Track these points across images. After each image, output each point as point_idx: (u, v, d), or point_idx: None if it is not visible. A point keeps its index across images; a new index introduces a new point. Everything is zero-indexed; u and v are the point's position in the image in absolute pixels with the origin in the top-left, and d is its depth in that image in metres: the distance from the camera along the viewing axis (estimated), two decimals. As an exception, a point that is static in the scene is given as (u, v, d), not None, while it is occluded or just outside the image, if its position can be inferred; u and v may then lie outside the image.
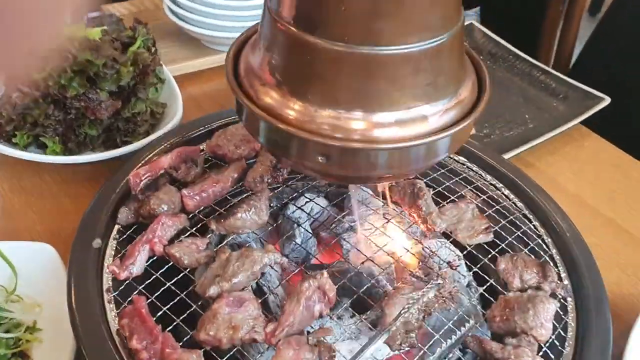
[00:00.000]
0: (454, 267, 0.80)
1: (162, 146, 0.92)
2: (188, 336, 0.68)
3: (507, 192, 0.92)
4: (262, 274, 0.73)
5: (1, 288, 0.79)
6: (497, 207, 0.88)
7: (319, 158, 0.62)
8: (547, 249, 0.84)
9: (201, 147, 0.93)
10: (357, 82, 0.59)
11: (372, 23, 0.57)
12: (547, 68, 1.34)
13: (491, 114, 1.22)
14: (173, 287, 0.72)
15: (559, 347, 0.72)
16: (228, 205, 0.83)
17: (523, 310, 0.70)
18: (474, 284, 0.82)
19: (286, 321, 0.67)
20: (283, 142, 0.64)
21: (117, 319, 0.69)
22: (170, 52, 1.27)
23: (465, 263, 0.84)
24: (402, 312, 0.68)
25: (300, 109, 0.61)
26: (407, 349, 0.67)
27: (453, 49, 0.62)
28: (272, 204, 0.85)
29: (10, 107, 0.95)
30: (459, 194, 0.89)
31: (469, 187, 0.91)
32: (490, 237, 0.81)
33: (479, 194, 0.90)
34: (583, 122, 1.22)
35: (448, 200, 0.86)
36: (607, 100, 1.23)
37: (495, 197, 0.91)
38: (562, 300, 0.77)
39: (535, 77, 1.33)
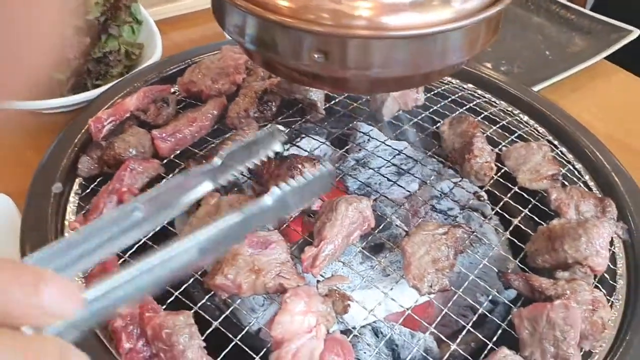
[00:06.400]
0: (481, 199, 0.68)
1: (134, 87, 0.80)
2: (172, 297, 0.56)
3: (525, 117, 0.83)
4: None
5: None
6: (519, 132, 0.80)
7: (316, 55, 0.50)
8: (580, 175, 0.74)
9: (173, 89, 0.81)
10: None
11: None
12: (565, 2, 1.22)
13: (508, 50, 1.10)
14: (150, 242, 0.60)
15: (610, 281, 0.61)
16: (209, 147, 0.72)
17: (574, 237, 0.58)
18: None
19: (327, 248, 0.56)
20: (274, 40, 0.52)
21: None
22: (148, -5, 1.15)
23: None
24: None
25: (294, -4, 0.49)
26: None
27: None
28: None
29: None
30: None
31: (485, 112, 0.82)
32: (557, 184, 0.69)
33: (498, 119, 0.81)
34: (608, 58, 1.10)
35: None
36: (636, 32, 1.10)
37: (515, 122, 0.82)
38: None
39: (553, 11, 1.21)
